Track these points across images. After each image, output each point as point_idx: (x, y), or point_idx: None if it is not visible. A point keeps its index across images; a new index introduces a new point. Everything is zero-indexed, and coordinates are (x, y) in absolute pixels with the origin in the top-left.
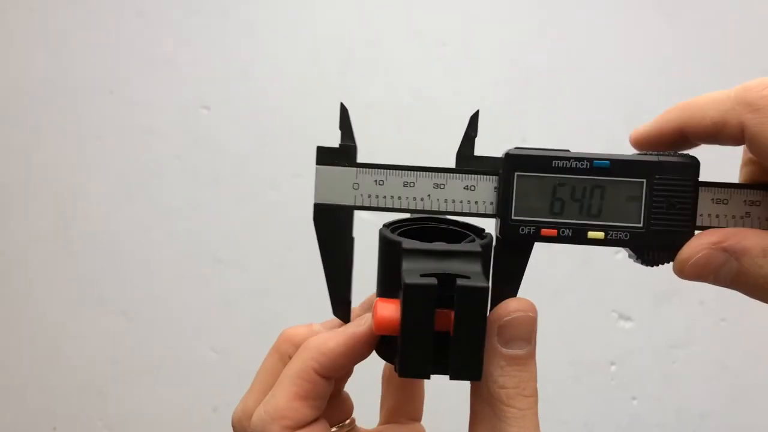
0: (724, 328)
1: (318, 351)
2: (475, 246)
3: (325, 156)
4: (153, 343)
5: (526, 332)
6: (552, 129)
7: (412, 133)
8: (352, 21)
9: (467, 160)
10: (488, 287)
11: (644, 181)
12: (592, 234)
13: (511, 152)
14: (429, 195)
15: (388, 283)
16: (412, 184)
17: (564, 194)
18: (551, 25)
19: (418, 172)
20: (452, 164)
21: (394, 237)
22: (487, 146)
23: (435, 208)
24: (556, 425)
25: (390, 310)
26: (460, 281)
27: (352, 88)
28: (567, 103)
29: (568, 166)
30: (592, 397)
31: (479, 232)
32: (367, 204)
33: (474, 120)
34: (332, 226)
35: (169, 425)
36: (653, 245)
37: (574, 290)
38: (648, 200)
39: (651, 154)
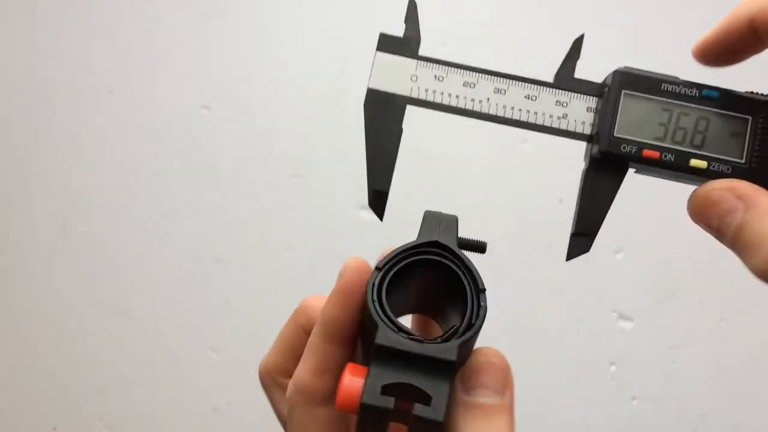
0: (724, 328)
1: (322, 319)
2: (451, 352)
3: (386, 43)
4: (153, 343)
5: (495, 383)
6: None
7: (412, 133)
8: (352, 21)
9: (566, 81)
10: (442, 423)
11: (750, 118)
12: (694, 162)
13: (621, 69)
14: (488, 99)
15: (364, 349)
16: (472, 85)
17: (670, 119)
18: (551, 25)
19: (480, 74)
20: (452, 164)
21: (374, 315)
22: (487, 146)
23: (493, 112)
24: (556, 425)
25: (356, 385)
26: (417, 410)
27: (352, 88)
28: None
29: (677, 91)
30: (592, 397)
31: (478, 293)
32: (422, 98)
33: (578, 43)
34: (382, 114)
35: (169, 425)
36: (755, 178)
37: (574, 290)
38: (752, 137)
39: (760, 94)
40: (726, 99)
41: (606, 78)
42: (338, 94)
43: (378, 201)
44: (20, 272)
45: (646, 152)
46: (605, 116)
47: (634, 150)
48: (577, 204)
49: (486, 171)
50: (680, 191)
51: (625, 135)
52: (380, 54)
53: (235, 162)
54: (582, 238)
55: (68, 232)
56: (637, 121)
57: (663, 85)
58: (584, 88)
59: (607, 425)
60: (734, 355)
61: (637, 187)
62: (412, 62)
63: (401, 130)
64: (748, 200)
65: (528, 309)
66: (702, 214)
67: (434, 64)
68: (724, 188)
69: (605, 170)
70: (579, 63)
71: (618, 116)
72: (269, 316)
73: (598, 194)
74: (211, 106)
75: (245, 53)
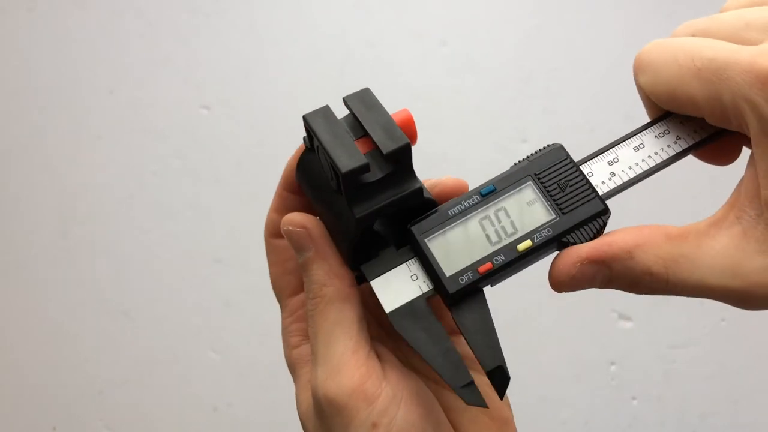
0: (724, 328)
1: (283, 173)
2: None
3: (372, 269)
4: (153, 343)
5: (298, 244)
6: (552, 129)
7: None
8: (352, 21)
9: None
10: None
11: (530, 182)
12: (522, 246)
13: (409, 226)
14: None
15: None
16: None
17: (475, 232)
18: (551, 25)
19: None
20: (452, 164)
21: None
22: (487, 146)
23: None
24: (556, 425)
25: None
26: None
27: (352, 88)
28: (567, 103)
29: (462, 207)
30: (592, 397)
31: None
32: (430, 288)
33: None
34: (416, 323)
35: (169, 425)
36: (575, 224)
37: None
38: (544, 194)
39: (522, 160)
40: (502, 183)
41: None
42: (338, 94)
43: (469, 390)
44: (20, 272)
45: (481, 269)
46: (430, 270)
47: (471, 275)
48: (471, 347)
49: (486, 171)
50: (680, 190)
51: (454, 270)
52: (375, 282)
53: (235, 162)
54: (497, 371)
55: (68, 232)
56: (452, 252)
57: (449, 211)
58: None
59: (607, 425)
60: (734, 355)
61: (637, 187)
62: (401, 268)
63: (440, 324)
64: (603, 260)
65: (528, 309)
66: (572, 290)
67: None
68: (576, 262)
69: (466, 305)
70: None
71: (437, 260)
72: (269, 316)
73: (478, 326)
74: (211, 106)
75: (245, 53)
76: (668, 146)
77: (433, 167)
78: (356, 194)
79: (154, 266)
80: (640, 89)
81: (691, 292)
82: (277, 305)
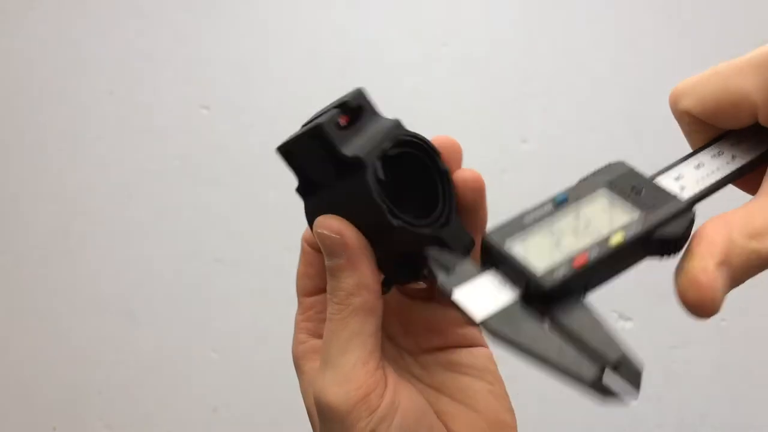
0: (724, 328)
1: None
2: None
3: (448, 281)
4: (153, 343)
5: (330, 249)
6: (552, 129)
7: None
8: (352, 21)
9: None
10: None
11: (604, 188)
12: (613, 240)
13: (486, 235)
14: None
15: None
16: None
17: (561, 231)
18: (552, 25)
19: None
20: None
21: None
22: (487, 146)
23: None
24: (556, 425)
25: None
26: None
27: (352, 88)
28: (567, 103)
29: (539, 215)
30: (592, 397)
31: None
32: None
33: None
34: (515, 326)
35: (169, 425)
36: (663, 218)
37: None
38: (622, 197)
39: (587, 176)
40: (574, 192)
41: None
42: (338, 93)
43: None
44: (20, 272)
45: (576, 262)
46: (514, 271)
47: (566, 269)
48: (583, 345)
49: (486, 171)
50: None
51: (546, 267)
52: (458, 294)
53: (235, 162)
54: (624, 362)
55: (68, 232)
56: (540, 252)
57: (523, 219)
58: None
59: (607, 425)
60: (734, 355)
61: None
62: (484, 277)
63: (540, 324)
64: (728, 257)
65: None
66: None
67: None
68: (709, 275)
69: (563, 303)
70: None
71: (525, 260)
72: (269, 316)
73: (584, 321)
74: (211, 106)
75: (245, 53)
76: (727, 164)
77: None
78: (342, 141)
79: (154, 266)
80: (684, 116)
81: None
82: (277, 306)
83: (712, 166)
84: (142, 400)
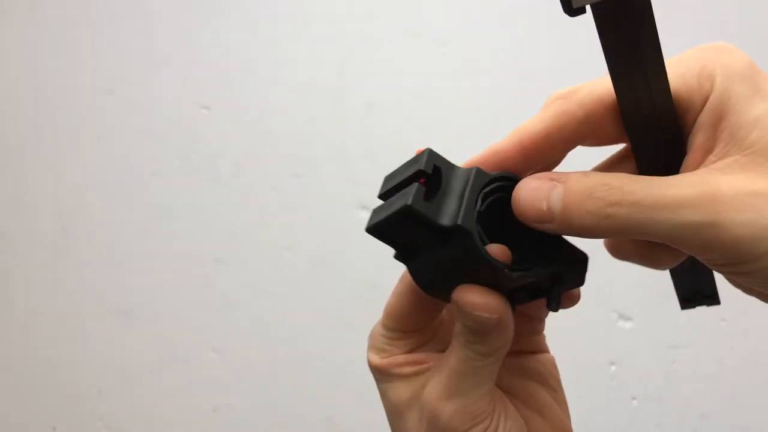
0: (724, 328)
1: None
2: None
3: None
4: (153, 343)
5: (483, 328)
6: None
7: (412, 133)
8: (352, 21)
9: None
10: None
11: None
12: None
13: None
14: None
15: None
16: None
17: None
18: (552, 25)
19: None
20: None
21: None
22: (487, 146)
23: None
24: None
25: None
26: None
27: (352, 88)
28: None
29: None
30: (592, 397)
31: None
32: None
33: None
34: None
35: (169, 425)
36: None
37: None
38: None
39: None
40: None
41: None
42: (338, 94)
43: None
44: (20, 272)
45: None
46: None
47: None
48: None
49: None
50: None
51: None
52: None
53: (235, 162)
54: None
55: (68, 232)
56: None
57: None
58: None
59: (607, 425)
60: (734, 355)
61: None
62: None
63: None
64: (559, 177)
65: None
66: (531, 211)
67: None
68: (536, 179)
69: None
70: (577, 62)
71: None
72: (269, 316)
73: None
74: (211, 106)
75: (245, 53)
76: None
77: None
78: (433, 211)
79: (154, 266)
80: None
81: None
82: (277, 306)
83: None
84: (142, 400)
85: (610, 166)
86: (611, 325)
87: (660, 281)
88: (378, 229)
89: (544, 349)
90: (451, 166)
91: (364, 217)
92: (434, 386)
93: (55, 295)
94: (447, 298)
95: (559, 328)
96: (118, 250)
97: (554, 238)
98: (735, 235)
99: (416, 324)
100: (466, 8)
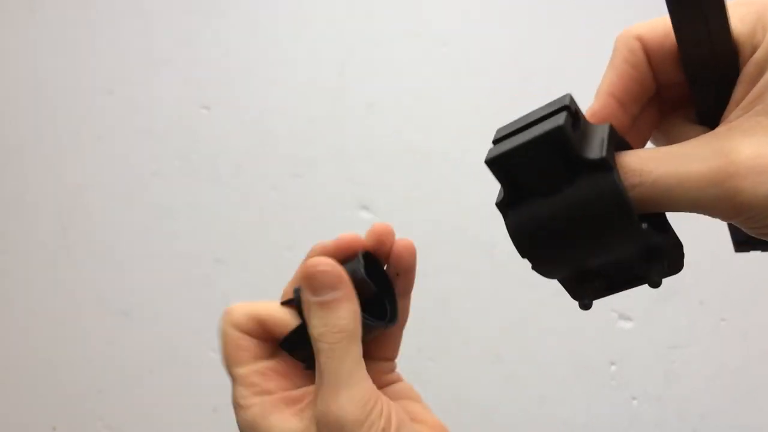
0: (724, 328)
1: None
2: None
3: None
4: (153, 343)
5: (326, 284)
6: None
7: (413, 133)
8: (352, 21)
9: None
10: None
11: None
12: None
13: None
14: None
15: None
16: None
17: None
18: (551, 25)
19: None
20: (452, 164)
21: None
22: (487, 146)
23: None
24: (556, 425)
25: None
26: None
27: (352, 88)
28: None
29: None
30: (592, 397)
31: None
32: None
33: None
34: None
35: (169, 425)
36: None
37: None
38: None
39: None
40: None
41: None
42: (338, 94)
43: None
44: (20, 272)
45: None
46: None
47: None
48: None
49: (486, 171)
50: None
51: None
52: None
53: (235, 162)
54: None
55: (68, 232)
56: None
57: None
58: None
59: (607, 425)
60: (734, 355)
61: None
62: None
63: None
64: None
65: (528, 309)
66: None
67: None
68: None
69: None
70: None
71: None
72: None
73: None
74: (211, 106)
75: (245, 53)
76: None
77: (433, 167)
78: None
79: (154, 266)
80: (633, 41)
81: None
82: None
83: None
84: (142, 400)
85: (671, 109)
86: (611, 325)
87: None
88: (507, 156)
89: (402, 379)
90: (585, 119)
91: (364, 216)
92: (321, 394)
93: (55, 295)
94: (547, 262)
95: (560, 329)
96: (118, 250)
97: (660, 219)
98: (756, 202)
99: (250, 355)
100: (466, 8)
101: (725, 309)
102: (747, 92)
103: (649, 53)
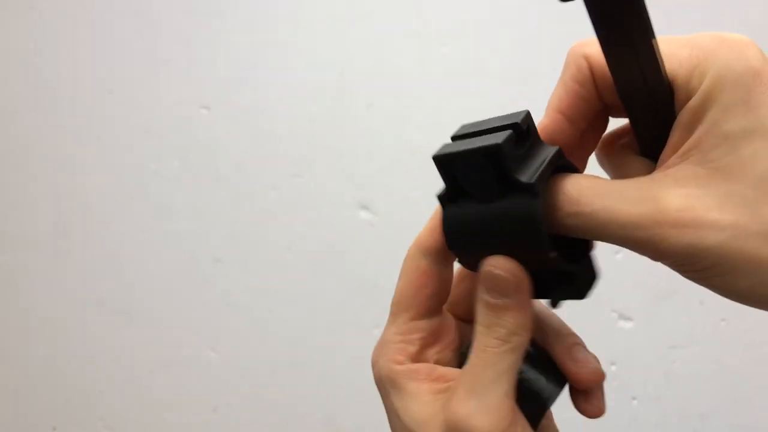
0: (724, 328)
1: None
2: None
3: None
4: (153, 343)
5: (500, 288)
6: None
7: (413, 133)
8: (351, 21)
9: None
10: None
11: None
12: None
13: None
14: None
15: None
16: None
17: None
18: (551, 25)
19: None
20: None
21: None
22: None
23: None
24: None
25: None
26: None
27: (352, 88)
28: None
29: None
30: None
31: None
32: None
33: None
34: None
35: (169, 425)
36: None
37: None
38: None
39: None
40: None
41: None
42: (338, 94)
43: None
44: (20, 272)
45: None
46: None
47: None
48: None
49: None
50: None
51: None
52: None
53: (235, 162)
54: None
55: (68, 232)
56: None
57: None
58: None
59: (607, 425)
60: (734, 355)
61: None
62: None
63: None
64: None
65: None
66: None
67: None
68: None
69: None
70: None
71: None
72: (269, 316)
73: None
74: (211, 106)
75: (245, 53)
76: None
77: (433, 167)
78: (515, 164)
79: (154, 266)
80: (581, 59)
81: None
82: (277, 305)
83: None
84: (142, 400)
85: (619, 134)
86: (611, 325)
87: (660, 281)
88: (450, 158)
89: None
90: (537, 137)
91: (364, 216)
92: (456, 394)
93: (55, 295)
94: (468, 258)
95: None
96: (118, 250)
97: (584, 243)
98: (677, 251)
99: (426, 303)
100: (466, 8)
101: (725, 309)
102: (683, 138)
103: (595, 74)
